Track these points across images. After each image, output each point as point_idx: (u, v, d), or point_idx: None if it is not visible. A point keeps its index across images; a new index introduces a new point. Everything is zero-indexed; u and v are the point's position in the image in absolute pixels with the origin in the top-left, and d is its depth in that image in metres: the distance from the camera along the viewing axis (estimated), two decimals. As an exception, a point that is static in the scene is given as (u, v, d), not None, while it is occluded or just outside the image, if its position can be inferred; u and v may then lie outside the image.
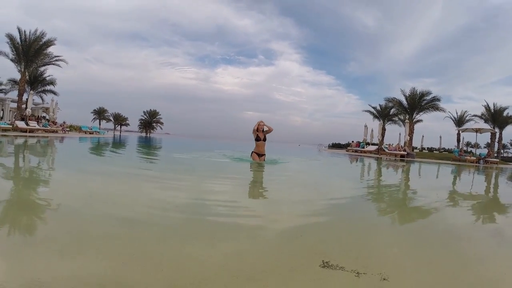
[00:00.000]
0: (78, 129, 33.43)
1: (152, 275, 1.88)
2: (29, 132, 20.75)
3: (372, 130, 34.34)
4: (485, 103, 33.74)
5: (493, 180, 10.85)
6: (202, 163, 10.29)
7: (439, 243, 3.01)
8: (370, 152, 30.80)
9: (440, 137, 40.48)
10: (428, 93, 29.89)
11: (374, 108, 36.69)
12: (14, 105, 27.40)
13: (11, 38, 24.81)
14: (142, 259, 2.13)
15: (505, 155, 47.35)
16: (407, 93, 30.73)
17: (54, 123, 27.63)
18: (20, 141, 13.10)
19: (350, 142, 37.86)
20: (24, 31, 25.35)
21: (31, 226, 2.72)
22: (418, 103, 29.95)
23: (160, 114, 58.51)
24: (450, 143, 41.55)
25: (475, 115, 35.23)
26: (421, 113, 30.82)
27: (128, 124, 55.46)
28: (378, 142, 32.59)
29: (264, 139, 10.37)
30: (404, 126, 29.39)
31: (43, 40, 25.91)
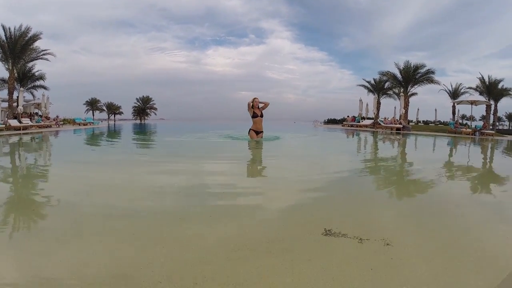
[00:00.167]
0: (72, 121, 33.12)
1: (153, 252, 1.89)
2: (23, 129, 20.56)
3: (367, 105, 34.22)
4: (480, 76, 33.57)
5: (489, 151, 10.92)
6: (200, 144, 10.21)
7: (438, 211, 3.06)
8: (366, 126, 30.81)
9: (436, 110, 40.49)
10: (422, 66, 29.61)
11: (368, 82, 36.40)
12: (5, 104, 26.97)
13: (-5, 36, 24.24)
14: (142, 238, 2.15)
15: (500, 127, 47.54)
16: (401, 66, 30.44)
17: (47, 118, 27.35)
18: (14, 139, 12.97)
19: (346, 117, 37.81)
20: (9, 28, 24.72)
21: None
22: (412, 76, 29.73)
23: (153, 100, 57.95)
24: (445, 116, 41.66)
25: (470, 88, 35.04)
26: (415, 86, 30.62)
27: (122, 113, 54.82)
28: (373, 116, 32.54)
29: (261, 115, 10.18)
30: (399, 99, 29.30)
31: (29, 35, 25.27)
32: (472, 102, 25.38)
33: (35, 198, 3.46)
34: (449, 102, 35.99)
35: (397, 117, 29.26)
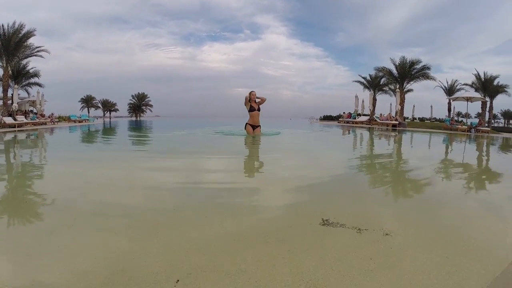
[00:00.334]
0: (67, 119, 32.94)
1: (147, 243, 1.85)
2: (18, 127, 20.36)
3: (363, 101, 34.23)
4: (476, 72, 33.63)
5: (485, 148, 10.94)
6: (197, 140, 10.13)
7: (437, 202, 3.04)
8: (362, 122, 30.84)
9: (431, 106, 40.52)
10: (418, 61, 29.67)
11: (364, 78, 36.42)
12: (0, 102, 26.75)
13: (-12, 34, 24.00)
14: (137, 229, 2.11)
15: (495, 125, 47.72)
16: (397, 62, 30.49)
17: (42, 115, 27.14)
18: (9, 136, 12.86)
19: (342, 113, 37.86)
20: (2, 25, 24.51)
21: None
22: (408, 72, 29.77)
23: (148, 97, 57.60)
24: (441, 112, 41.61)
25: (466, 84, 35.05)
26: (411, 82, 30.66)
27: (117, 110, 54.39)
28: (369, 112, 32.56)
29: (258, 109, 10.04)
30: (395, 96, 29.35)
31: (22, 32, 25.06)
32: (468, 99, 25.42)
33: (29, 193, 3.40)
34: (444, 98, 36.02)
35: (393, 114, 29.30)
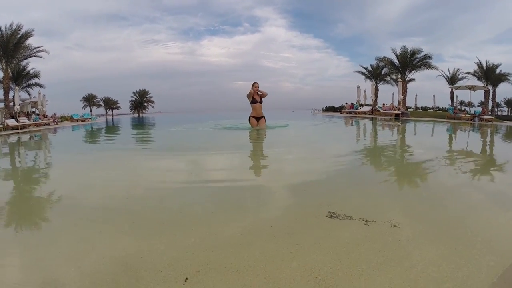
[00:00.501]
0: (70, 118, 33.00)
1: (153, 241, 1.85)
2: (21, 128, 20.44)
3: (365, 91, 34.01)
4: (478, 61, 33.31)
5: (489, 137, 10.87)
6: (199, 136, 10.06)
7: (445, 193, 3.01)
8: (365, 113, 30.67)
9: (434, 96, 40.21)
10: (419, 51, 29.44)
11: (365, 68, 36.16)
12: (2, 104, 26.82)
13: (-14, 36, 23.98)
14: (143, 227, 2.10)
15: (499, 113, 47.32)
16: (398, 51, 30.27)
17: (45, 116, 27.19)
18: (13, 138, 12.92)
19: (344, 104, 37.66)
20: (0, 27, 24.51)
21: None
22: (409, 62, 29.56)
23: (150, 93, 57.49)
24: (443, 101, 41.39)
25: (468, 73, 34.71)
26: (413, 72, 30.45)
27: (119, 107, 54.43)
28: (371, 102, 32.40)
29: (261, 101, 9.95)
30: (397, 85, 29.16)
31: (21, 33, 24.99)
32: (470, 88, 25.21)
33: (36, 193, 3.43)
34: (447, 88, 35.74)
35: (395, 103, 29.14)
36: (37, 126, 23.01)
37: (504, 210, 2.47)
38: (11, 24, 24.72)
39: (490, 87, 32.51)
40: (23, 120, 22.45)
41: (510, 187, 3.30)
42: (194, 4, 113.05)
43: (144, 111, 56.56)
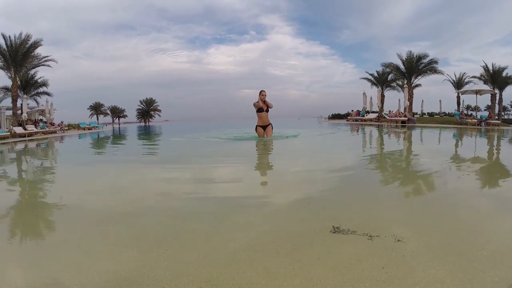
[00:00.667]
0: (77, 126, 33.33)
1: (156, 255, 1.85)
2: (28, 136, 20.68)
3: (371, 98, 33.94)
4: (484, 64, 33.10)
5: (496, 142, 10.76)
6: (199, 147, 10.05)
7: (450, 205, 2.98)
8: (371, 120, 30.58)
9: (440, 101, 39.97)
10: (425, 56, 29.36)
11: (371, 75, 36.15)
12: (10, 112, 27.18)
13: (-4, 45, 24.40)
14: (146, 240, 2.11)
15: (506, 117, 46.88)
16: (404, 57, 30.20)
17: (52, 124, 27.48)
18: (20, 146, 13.07)
19: (350, 111, 37.57)
20: (9, 36, 24.90)
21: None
22: (415, 67, 29.48)
23: (157, 102, 58.06)
24: (450, 106, 41.05)
25: (474, 77, 34.56)
26: (419, 77, 30.35)
27: (126, 116, 55.04)
28: (378, 109, 32.27)
29: (267, 110, 9.78)
30: (403, 91, 29.07)
31: (29, 42, 25.44)
32: (477, 92, 25.02)
33: (39, 202, 3.49)
34: (453, 92, 35.57)
35: (402, 110, 29.00)
36: (44, 134, 23.27)
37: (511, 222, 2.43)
38: (20, 34, 25.17)
39: (497, 91, 32.28)
40: (31, 128, 22.73)
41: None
42: (200, 13, 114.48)
43: (150, 119, 57.00)
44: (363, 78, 36.94)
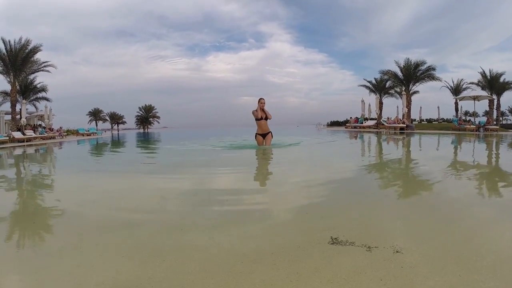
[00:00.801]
0: (75, 132, 33.36)
1: (153, 266, 1.83)
2: (27, 141, 20.65)
3: (369, 105, 34.10)
4: (481, 70, 33.33)
5: (495, 148, 10.77)
6: (205, 153, 10.03)
7: (450, 214, 2.95)
8: (369, 127, 30.72)
9: (438, 107, 40.28)
10: (423, 63, 29.60)
11: (369, 82, 36.41)
12: (9, 117, 27.21)
13: (-4, 50, 24.46)
14: (142, 251, 2.10)
15: (504, 122, 47.04)
16: (402, 64, 30.45)
17: (51, 129, 27.47)
18: (18, 151, 13.04)
19: (349, 118, 37.69)
20: (9, 41, 25.00)
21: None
22: (413, 74, 29.68)
23: (156, 109, 58.38)
24: (448, 113, 41.38)
25: (472, 83, 34.82)
26: (417, 84, 30.58)
27: (125, 122, 55.18)
28: (376, 116, 32.38)
29: (266, 118, 9.68)
30: (401, 98, 29.20)
31: (29, 47, 25.56)
32: (475, 98, 25.17)
33: (36, 209, 3.46)
34: (451, 98, 35.81)
35: (400, 117, 29.11)
36: (43, 139, 23.26)
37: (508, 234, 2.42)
38: (20, 39, 25.30)
39: (495, 96, 32.46)
40: (29, 133, 22.72)
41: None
42: (199, 21, 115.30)
43: (149, 126, 57.11)
44: (361, 86, 37.20)
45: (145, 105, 57.81)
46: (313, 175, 5.23)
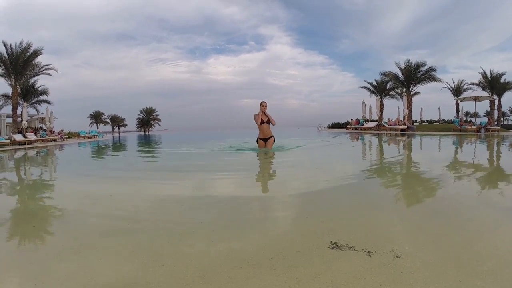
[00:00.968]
0: (77, 135, 33.40)
1: (151, 271, 1.83)
2: (28, 144, 20.68)
3: (370, 107, 34.08)
4: (482, 71, 33.31)
5: (496, 149, 10.73)
6: (204, 156, 9.97)
7: (451, 218, 2.93)
8: (370, 128, 30.66)
9: (439, 108, 40.20)
10: (423, 64, 29.60)
11: (370, 83, 36.39)
12: (10, 119, 27.27)
13: (-3, 53, 24.55)
14: (141, 255, 2.09)
15: (505, 122, 46.94)
16: (402, 65, 30.44)
17: (52, 132, 27.51)
18: (20, 153, 13.06)
19: (349, 120, 37.66)
20: (10, 45, 25.09)
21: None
22: (414, 75, 29.66)
23: (156, 111, 58.49)
24: (449, 113, 41.36)
25: (473, 83, 34.82)
26: (418, 85, 30.54)
27: (126, 125, 55.41)
28: (377, 118, 32.35)
29: (268, 122, 9.39)
30: (402, 99, 29.19)
31: (30, 51, 25.65)
32: (476, 98, 25.13)
33: (35, 212, 3.45)
34: (452, 99, 35.79)
35: (401, 118, 29.07)
36: (44, 142, 23.28)
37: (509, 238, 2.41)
38: (21, 42, 25.40)
39: (495, 97, 32.44)
40: (30, 135, 22.76)
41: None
42: (200, 24, 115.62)
43: (150, 128, 57.20)
44: (362, 87, 37.20)
45: (146, 107, 57.98)
46: (314, 178, 5.22)
